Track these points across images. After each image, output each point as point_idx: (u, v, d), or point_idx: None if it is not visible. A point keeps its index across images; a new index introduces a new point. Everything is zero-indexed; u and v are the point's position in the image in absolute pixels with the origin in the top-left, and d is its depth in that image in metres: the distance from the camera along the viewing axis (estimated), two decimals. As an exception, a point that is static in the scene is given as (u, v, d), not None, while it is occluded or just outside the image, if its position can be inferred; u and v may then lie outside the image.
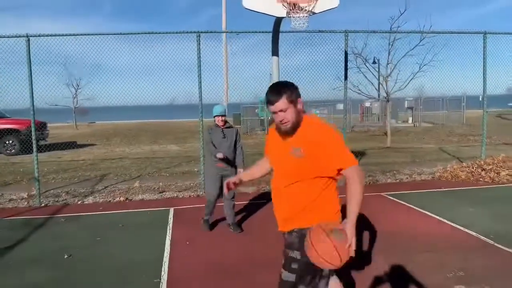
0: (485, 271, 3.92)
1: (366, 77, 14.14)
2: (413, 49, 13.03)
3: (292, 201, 2.32)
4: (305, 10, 5.71)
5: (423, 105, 24.40)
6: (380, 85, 14.87)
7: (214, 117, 5.32)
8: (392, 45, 13.66)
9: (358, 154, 11.85)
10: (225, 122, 5.35)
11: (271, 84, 2.40)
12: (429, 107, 24.99)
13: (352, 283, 3.72)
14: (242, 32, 8.85)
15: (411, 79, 13.92)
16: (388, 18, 13.81)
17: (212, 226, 5.64)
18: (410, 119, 24.95)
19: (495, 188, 7.47)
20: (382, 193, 7.32)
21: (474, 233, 5.01)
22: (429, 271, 3.95)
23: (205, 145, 5.44)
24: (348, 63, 8.24)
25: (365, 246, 4.68)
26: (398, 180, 8.51)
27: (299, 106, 2.27)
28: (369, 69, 14.00)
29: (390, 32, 11.93)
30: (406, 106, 25.74)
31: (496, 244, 4.62)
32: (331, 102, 28.62)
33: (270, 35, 6.73)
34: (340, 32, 7.90)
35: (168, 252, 4.69)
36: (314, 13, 5.83)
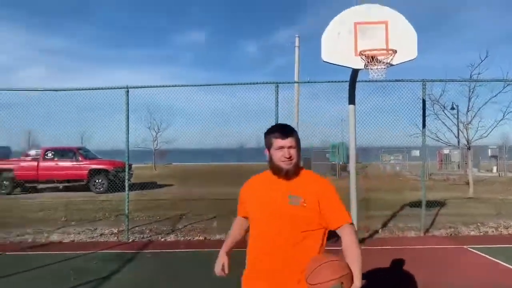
0: None
1: (445, 124, 13.81)
2: (495, 96, 12.56)
3: (304, 258, 2.09)
4: (383, 62, 5.91)
5: (508, 154, 22.83)
6: (460, 132, 14.35)
7: None
8: (472, 91, 13.29)
9: (437, 204, 11.36)
10: None
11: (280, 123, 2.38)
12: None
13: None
14: (317, 82, 9.24)
15: (494, 127, 13.31)
16: (468, 65, 13.54)
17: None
18: (495, 168, 23.38)
19: None
20: (465, 246, 6.98)
21: None
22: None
23: None
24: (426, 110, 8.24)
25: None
26: (482, 233, 8.05)
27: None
28: (447, 116, 13.66)
29: (469, 81, 11.63)
30: (489, 154, 24.23)
31: None
32: (406, 148, 27.90)
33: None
34: (417, 81, 7.95)
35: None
36: (392, 64, 6.01)
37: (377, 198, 13.58)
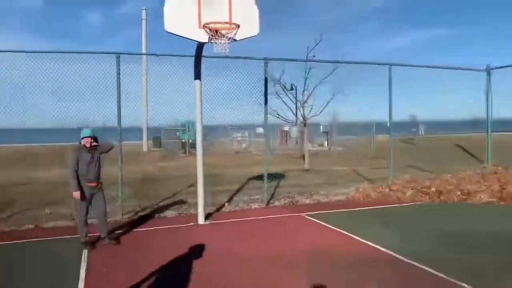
0: (395, 283, 4.23)
1: (285, 102, 14.80)
2: (326, 77, 13.90)
3: None
4: (227, 37, 5.87)
5: (337, 130, 25.90)
6: (298, 111, 15.59)
7: (82, 138, 5.59)
8: (308, 73, 14.47)
9: (278, 176, 12.17)
10: (92, 143, 5.63)
11: None
12: (342, 132, 26.57)
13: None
14: (164, 55, 8.80)
15: (325, 106, 14.81)
16: (305, 48, 14.70)
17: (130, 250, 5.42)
18: (326, 143, 26.27)
19: (402, 206, 8.13)
20: (301, 214, 7.59)
21: (383, 249, 5.37)
22: (345, 285, 4.16)
23: (72, 165, 5.52)
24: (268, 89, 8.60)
25: (285, 265, 4.79)
26: (316, 201, 8.89)
27: None
28: (287, 95, 14.66)
29: (304, 61, 12.50)
30: (321, 130, 27.10)
31: (405, 259, 4.98)
32: (251, 126, 29.28)
33: (192, 59, 6.82)
34: (260, 59, 8.21)
35: (83, 281, 4.40)
36: (235, 40, 6.01)
37: (224, 174, 13.95)
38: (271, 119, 15.08)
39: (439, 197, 8.38)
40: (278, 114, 14.47)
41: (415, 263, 4.80)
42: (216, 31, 5.87)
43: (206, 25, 5.83)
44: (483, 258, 4.96)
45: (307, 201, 8.88)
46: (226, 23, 5.80)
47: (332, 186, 10.89)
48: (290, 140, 29.09)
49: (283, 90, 14.44)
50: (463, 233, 6.01)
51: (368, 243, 5.68)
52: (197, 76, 6.84)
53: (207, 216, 7.38)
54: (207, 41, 5.94)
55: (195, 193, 9.17)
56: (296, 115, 16.24)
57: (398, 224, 6.69)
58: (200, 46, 6.43)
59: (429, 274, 4.49)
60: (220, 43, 5.89)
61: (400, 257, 5.06)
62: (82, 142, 5.60)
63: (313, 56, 14.36)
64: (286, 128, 28.36)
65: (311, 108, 15.22)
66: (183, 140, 23.26)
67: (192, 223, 6.94)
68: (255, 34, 6.22)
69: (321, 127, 27.78)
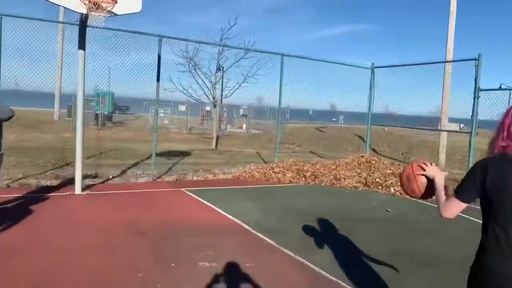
0: (233, 249, 4.73)
1: (197, 82, 14.99)
2: (238, 61, 14.30)
3: None
4: (106, 10, 5.96)
5: (255, 114, 26.62)
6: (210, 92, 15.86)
7: None
8: (220, 54, 14.77)
9: (184, 154, 12.44)
10: None
11: None
12: (260, 115, 27.36)
13: (125, 263, 4.11)
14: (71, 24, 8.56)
15: (236, 88, 15.24)
16: (219, 29, 14.96)
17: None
18: (244, 125, 26.90)
19: (278, 186, 8.81)
20: (182, 189, 7.94)
21: (239, 221, 5.91)
22: (187, 251, 4.58)
23: None
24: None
25: (136, 232, 5.13)
26: (203, 178, 9.31)
27: None
28: (199, 76, 14.86)
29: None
30: (241, 113, 27.67)
31: (251, 230, 5.55)
32: (174, 102, 29.05)
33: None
34: (154, 35, 8.34)
35: None
36: (116, 14, 6.11)
37: (131, 148, 13.94)
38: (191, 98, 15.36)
39: (314, 180, 9.18)
40: (189, 92, 14.66)
41: (258, 233, 5.39)
42: (96, 3, 5.93)
43: (85, -4, 5.88)
44: (313, 230, 5.68)
45: (195, 178, 9.27)
46: (105, -4, 5.88)
47: (230, 165, 11.39)
48: (211, 120, 29.35)
49: (194, 69, 14.58)
50: (312, 211, 6.74)
51: (228, 215, 6.20)
52: (81, 46, 6.82)
53: (87, 187, 7.48)
54: (85, 12, 5.98)
55: (88, 165, 9.21)
56: (212, 95, 16.50)
57: (264, 202, 7.30)
58: (85, 15, 6.43)
59: (264, 242, 5.08)
60: (99, 16, 5.97)
61: (248, 228, 5.62)
62: None
63: (226, 40, 14.66)
64: (208, 108, 28.56)
65: (223, 90, 15.60)
66: (97, 112, 22.56)
67: (68, 193, 7.01)
68: (138, 10, 6.35)
69: (241, 110, 28.36)
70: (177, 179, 8.98)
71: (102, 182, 8.18)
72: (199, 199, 7.21)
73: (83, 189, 7.19)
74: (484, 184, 1.89)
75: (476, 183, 1.92)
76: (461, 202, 1.99)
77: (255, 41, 25.67)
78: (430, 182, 2.25)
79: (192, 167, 10.56)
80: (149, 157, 11.34)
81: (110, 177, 8.62)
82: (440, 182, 2.17)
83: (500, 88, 8.34)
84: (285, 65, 10.17)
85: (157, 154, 9.38)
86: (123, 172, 9.31)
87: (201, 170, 10.11)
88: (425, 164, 2.29)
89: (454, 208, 2.01)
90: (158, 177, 8.96)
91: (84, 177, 7.68)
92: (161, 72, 8.62)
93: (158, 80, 8.56)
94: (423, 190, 2.31)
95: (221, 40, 14.70)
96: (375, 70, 11.00)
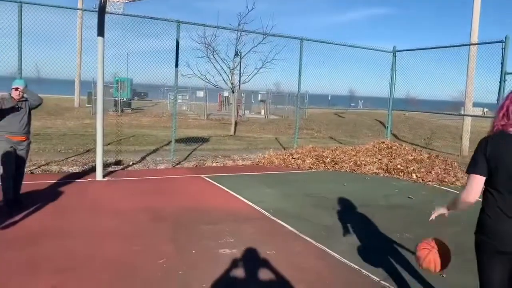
0: (253, 236, 4.72)
1: (215, 67, 14.90)
2: (256, 46, 14.11)
3: None
4: (125, -5, 5.91)
5: (273, 99, 26.44)
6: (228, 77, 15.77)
7: (12, 89, 5.24)
8: (238, 40, 14.62)
9: (202, 140, 12.48)
10: (22, 95, 5.27)
11: None
12: (279, 101, 27.18)
13: (147, 249, 4.16)
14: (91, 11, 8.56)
15: (255, 74, 15.09)
16: (237, 14, 14.79)
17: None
18: (262, 111, 26.78)
19: (298, 173, 8.75)
20: (201, 175, 7.96)
21: (258, 208, 5.89)
22: (207, 238, 4.59)
23: None
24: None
25: (154, 217, 5.16)
26: (222, 165, 9.31)
27: None
28: (217, 61, 14.75)
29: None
30: (259, 98, 27.53)
31: (271, 217, 5.53)
32: (192, 88, 29.08)
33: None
34: (172, 21, 8.28)
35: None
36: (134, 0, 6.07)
37: (150, 134, 14.05)
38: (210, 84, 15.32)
39: (333, 166, 9.08)
40: (207, 78, 14.61)
41: (278, 220, 5.37)
42: (114, -11, 5.89)
43: (104, -18, 5.84)
44: (333, 216, 5.61)
45: (214, 164, 9.27)
46: (123, -18, 5.83)
47: (248, 151, 11.37)
48: (229, 106, 29.31)
49: (212, 55, 14.49)
50: (332, 197, 6.66)
51: (247, 202, 6.20)
52: (100, 32, 6.83)
53: (108, 174, 7.57)
54: (104, -2, 5.95)
55: (108, 151, 9.32)
56: (230, 80, 16.43)
57: (283, 188, 7.25)
58: (103, 2, 6.41)
59: (284, 229, 5.06)
60: (117, 2, 5.94)
61: (268, 214, 5.61)
62: (12, 93, 5.20)
63: (244, 24, 14.49)
64: (226, 94, 28.50)
65: (241, 75, 15.50)
66: (116, 98, 22.77)
67: (89, 179, 7.10)
68: (156, -4, 6.29)
69: (259, 95, 28.22)
70: (196, 166, 9.01)
71: (122, 169, 8.26)
72: (219, 185, 7.22)
73: (104, 176, 7.27)
74: (486, 158, 2.22)
75: (483, 158, 2.23)
76: (479, 176, 2.24)
77: (273, 26, 25.37)
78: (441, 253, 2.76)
79: (211, 153, 10.57)
80: (168, 144, 11.42)
81: (130, 163, 8.70)
82: (445, 208, 2.68)
83: None
84: (304, 49, 10.01)
85: (176, 141, 9.41)
86: (143, 158, 9.39)
87: (220, 156, 10.12)
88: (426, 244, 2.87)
89: (477, 184, 2.25)
90: (178, 164, 9.01)
91: (105, 163, 7.78)
92: (179, 58, 8.59)
93: (176, 66, 8.54)
94: (439, 265, 2.76)
95: (239, 25, 14.53)
96: (397, 53, 10.73)
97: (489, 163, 2.21)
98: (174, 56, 8.53)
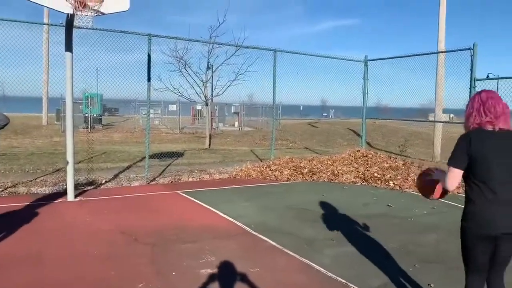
0: (235, 253, 4.57)
1: (187, 80, 14.71)
2: (229, 58, 14.03)
3: None
4: (92, 9, 5.73)
5: (247, 111, 26.42)
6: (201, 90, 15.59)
7: None
8: (210, 53, 14.51)
9: (177, 155, 12.25)
10: None
11: None
12: (252, 113, 27.18)
13: (124, 272, 3.93)
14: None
15: (228, 86, 14.97)
16: (208, 27, 14.70)
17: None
18: (236, 123, 26.70)
19: (276, 185, 8.65)
20: (178, 191, 7.75)
21: (239, 223, 5.74)
22: (187, 258, 4.40)
23: None
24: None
25: (129, 236, 4.94)
26: (199, 179, 9.12)
27: None
28: (189, 74, 14.58)
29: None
30: (233, 111, 27.46)
31: (252, 232, 5.39)
32: (164, 102, 28.74)
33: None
34: (143, 34, 8.11)
35: None
36: (103, 13, 5.89)
37: (121, 151, 13.69)
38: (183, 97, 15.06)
39: (311, 176, 9.04)
40: (180, 92, 14.40)
41: (259, 235, 5.23)
42: (82, 2, 5.70)
43: (70, -5, 5.64)
44: (315, 228, 5.53)
45: (190, 179, 9.07)
46: (90, -5, 5.65)
47: (225, 165, 11.20)
48: (202, 119, 29.10)
49: (184, 68, 14.31)
50: (312, 208, 6.60)
51: (227, 217, 6.03)
52: (68, 47, 6.59)
53: (80, 193, 7.26)
54: (71, 12, 5.75)
55: (80, 170, 8.98)
56: (203, 94, 16.24)
57: (263, 201, 7.14)
58: (71, 16, 6.19)
59: (266, 244, 4.93)
60: (86, 15, 5.74)
61: (249, 229, 5.47)
62: None
63: (216, 37, 14.41)
64: (199, 107, 28.30)
65: (214, 88, 15.36)
66: (86, 114, 22.21)
67: (60, 200, 6.78)
68: (126, 9, 6.12)
69: (233, 107, 28.16)
70: (172, 181, 8.78)
71: (95, 188, 7.95)
72: (196, 201, 7.03)
73: (75, 196, 6.97)
74: (469, 152, 2.49)
75: (464, 153, 2.51)
76: (458, 169, 2.54)
77: (245, 38, 25.41)
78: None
79: (186, 168, 10.36)
80: (141, 160, 11.13)
81: (103, 181, 8.39)
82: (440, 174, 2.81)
83: (488, 78, 8.23)
84: (277, 61, 10.00)
85: (150, 156, 9.17)
86: (116, 176, 9.08)
87: (196, 171, 9.92)
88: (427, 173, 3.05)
89: (456, 176, 2.55)
90: (152, 180, 8.76)
91: (76, 182, 7.47)
92: (151, 72, 8.41)
93: (149, 80, 8.34)
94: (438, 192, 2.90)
95: (210, 38, 14.44)
96: (369, 63, 10.88)
97: (471, 157, 2.49)
98: (146, 70, 8.34)
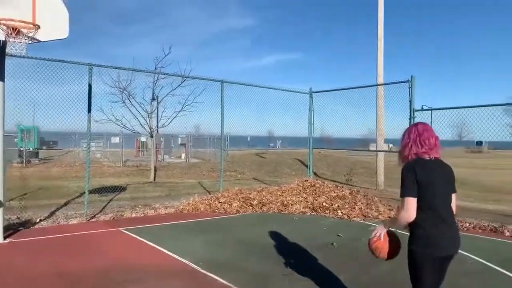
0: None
1: (131, 111, 14.28)
2: (175, 89, 13.85)
3: None
4: (27, 36, 5.39)
5: (194, 142, 26.08)
6: (146, 121, 15.18)
7: None
8: (155, 83, 14.27)
9: (119, 189, 11.67)
10: None
11: None
12: (199, 144, 26.88)
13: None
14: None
15: (174, 117, 14.69)
16: (153, 58, 14.53)
17: None
18: (183, 155, 26.21)
19: (225, 218, 8.41)
20: (120, 228, 7.29)
21: (186, 261, 5.42)
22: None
23: None
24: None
25: (81, 283, 4.49)
26: (143, 215, 8.67)
27: None
28: (133, 105, 14.19)
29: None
30: (179, 142, 26.99)
31: (200, 270, 5.10)
32: (107, 135, 27.75)
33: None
34: (84, 64, 7.77)
35: None
36: (39, 40, 5.56)
37: (59, 186, 12.85)
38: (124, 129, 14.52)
39: (261, 208, 8.91)
40: (123, 123, 13.91)
41: (208, 273, 4.95)
42: (15, 28, 5.35)
43: (4, 23, 5.28)
44: (266, 262, 5.35)
45: (134, 215, 8.60)
46: (25, 22, 5.32)
47: (171, 198, 10.79)
48: (147, 151, 28.32)
49: (128, 99, 13.92)
50: (262, 241, 6.43)
51: (173, 255, 5.69)
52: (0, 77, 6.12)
53: (11, 234, 6.61)
54: (3, 38, 5.37)
55: (11, 208, 8.21)
56: (148, 125, 15.81)
57: (212, 236, 6.87)
58: (3, 43, 5.78)
59: (216, 282, 4.66)
60: (19, 42, 5.38)
61: (197, 267, 5.17)
62: None
63: (161, 68, 14.25)
64: (143, 139, 27.57)
65: (160, 119, 15.03)
66: (21, 148, 20.84)
67: (-14, 242, 6.11)
68: (65, 37, 5.83)
69: (179, 139, 27.70)
70: (113, 218, 8.27)
71: (28, 227, 7.29)
72: (140, 238, 6.62)
73: (5, 237, 6.32)
74: (417, 181, 2.61)
75: (414, 182, 2.61)
76: (412, 198, 2.61)
77: (191, 69, 25.31)
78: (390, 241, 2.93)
79: (129, 203, 9.85)
80: (81, 195, 10.46)
81: (37, 220, 7.73)
82: (385, 227, 2.93)
83: (422, 109, 8.67)
84: (225, 92, 9.97)
85: (91, 191, 8.63)
86: (52, 213, 8.42)
87: (139, 206, 9.44)
88: (375, 240, 2.94)
89: (414, 204, 2.61)
90: (93, 217, 8.20)
91: (7, 222, 6.82)
92: (92, 103, 8.02)
93: (89, 111, 7.94)
94: (392, 251, 2.96)
95: (155, 69, 14.24)
96: (314, 94, 11.14)
97: (419, 185, 2.61)
98: (86, 102, 7.94)
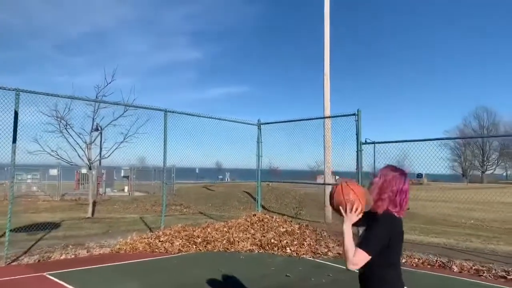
0: None
1: (68, 142, 13.32)
2: (116, 119, 13.13)
3: None
4: None
5: (137, 175, 24.99)
6: (84, 152, 14.23)
7: None
8: (96, 112, 13.48)
9: (51, 226, 10.63)
10: None
11: None
12: (144, 176, 25.80)
13: None
14: None
15: (115, 149, 13.87)
16: (94, 86, 13.78)
17: None
18: (126, 188, 24.97)
19: (166, 258, 7.74)
20: (45, 273, 6.44)
21: (117, 312, 4.78)
22: None
23: None
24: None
25: None
26: (74, 256, 7.81)
27: None
28: (70, 135, 13.25)
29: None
30: (122, 175, 25.77)
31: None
32: (44, 167, 26.01)
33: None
34: (10, 89, 7.03)
35: None
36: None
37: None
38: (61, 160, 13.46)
39: (206, 246, 8.33)
40: (58, 154, 12.89)
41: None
42: None
43: None
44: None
45: (63, 256, 7.72)
46: None
47: (108, 236, 9.93)
48: (88, 184, 26.76)
49: (65, 129, 12.98)
50: (206, 285, 5.89)
51: (103, 306, 5.01)
52: None
53: None
54: None
55: None
56: (87, 156, 14.82)
57: (149, 280, 6.22)
58: None
59: None
60: None
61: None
62: None
63: (103, 96, 13.53)
64: (84, 171, 26.06)
65: (100, 150, 14.16)
66: None
67: None
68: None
69: (122, 171, 26.48)
70: (39, 260, 7.37)
71: None
72: (66, 285, 5.84)
73: None
74: (389, 237, 2.41)
75: (386, 238, 2.40)
76: (371, 256, 2.36)
77: (134, 99, 24.54)
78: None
79: (61, 242, 8.91)
80: (2, 235, 9.37)
81: None
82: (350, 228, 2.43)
83: (366, 142, 8.67)
84: (169, 122, 9.49)
85: (18, 229, 7.68)
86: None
87: (71, 245, 8.54)
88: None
89: (365, 261, 2.36)
90: (14, 260, 7.25)
91: None
92: (25, 133, 7.28)
93: (14, 141, 7.14)
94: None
95: (96, 97, 13.48)
96: (262, 126, 10.92)
97: (389, 241, 2.41)
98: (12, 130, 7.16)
